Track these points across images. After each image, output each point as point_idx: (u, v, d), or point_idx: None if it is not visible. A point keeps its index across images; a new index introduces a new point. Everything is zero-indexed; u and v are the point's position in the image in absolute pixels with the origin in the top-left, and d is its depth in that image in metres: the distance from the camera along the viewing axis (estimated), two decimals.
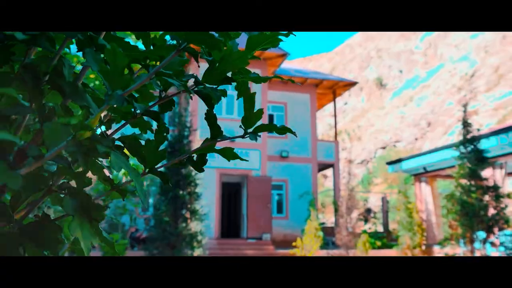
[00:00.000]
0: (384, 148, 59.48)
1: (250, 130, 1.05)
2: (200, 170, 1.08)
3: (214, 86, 1.02)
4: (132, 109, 0.96)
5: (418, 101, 68.69)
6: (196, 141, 14.13)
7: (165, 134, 1.01)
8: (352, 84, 24.33)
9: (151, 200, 16.83)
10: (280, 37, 0.94)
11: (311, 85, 23.57)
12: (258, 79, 0.98)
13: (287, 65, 26.65)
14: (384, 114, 70.71)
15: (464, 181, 12.51)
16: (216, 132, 1.04)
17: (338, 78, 24.71)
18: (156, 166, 1.02)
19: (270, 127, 1.02)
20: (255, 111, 1.04)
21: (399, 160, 20.63)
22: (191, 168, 9.77)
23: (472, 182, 12.26)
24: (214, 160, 19.04)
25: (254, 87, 20.18)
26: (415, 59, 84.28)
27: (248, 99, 1.02)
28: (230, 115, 19.68)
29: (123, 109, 0.96)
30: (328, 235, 20.49)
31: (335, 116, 24.66)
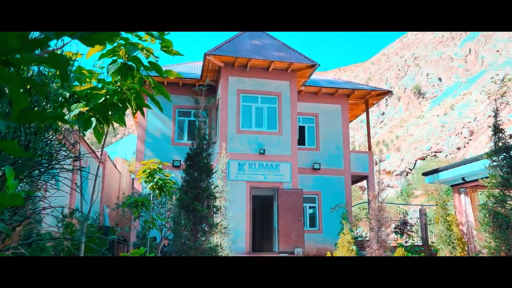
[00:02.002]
0: (424, 159, 57.93)
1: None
2: None
3: None
4: None
5: (459, 109, 66.86)
6: (222, 153, 13.97)
7: None
8: (385, 93, 23.77)
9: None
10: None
11: (343, 95, 23.17)
12: (33, 60, 0.77)
13: (320, 76, 26.32)
14: (424, 123, 69.07)
15: (497, 191, 11.84)
16: None
17: (370, 88, 24.20)
18: None
19: (38, 115, 0.79)
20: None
21: (436, 171, 19.91)
22: (210, 181, 9.60)
23: (506, 192, 11.59)
24: (244, 173, 18.87)
25: (283, 99, 19.96)
26: (454, 66, 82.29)
27: (11, 82, 0.80)
28: (259, 128, 19.49)
29: None
30: (363, 248, 19.90)
31: (368, 126, 24.13)
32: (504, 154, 11.91)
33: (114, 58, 4.60)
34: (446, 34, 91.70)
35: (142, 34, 4.51)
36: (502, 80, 12.55)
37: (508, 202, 11.72)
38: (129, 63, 4.58)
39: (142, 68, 4.67)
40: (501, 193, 11.82)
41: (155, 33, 4.56)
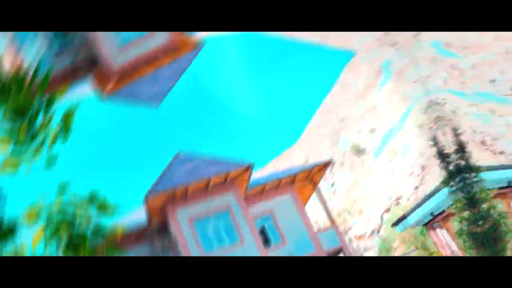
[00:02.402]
0: (388, 210, 58.30)
1: None
2: None
3: None
4: None
5: (402, 150, 68.83)
6: None
7: None
8: (326, 165, 24.26)
9: None
10: None
11: (287, 183, 23.29)
12: None
13: (260, 173, 26.61)
14: (374, 177, 70.45)
15: (466, 213, 11.91)
16: None
17: (309, 166, 24.68)
18: None
19: None
20: None
21: (403, 217, 20.01)
22: None
23: (474, 211, 11.66)
24: None
25: (234, 209, 19.86)
26: (382, 112, 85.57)
27: None
28: (221, 245, 19.17)
29: None
30: None
31: (323, 202, 24.24)
32: (459, 176, 12.09)
33: (58, 238, 4.68)
34: (361, 86, 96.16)
35: (76, 203, 4.60)
36: (428, 108, 13.08)
37: (479, 220, 11.77)
38: (75, 238, 4.61)
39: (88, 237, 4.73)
40: (470, 213, 11.89)
41: (86, 198, 4.64)
